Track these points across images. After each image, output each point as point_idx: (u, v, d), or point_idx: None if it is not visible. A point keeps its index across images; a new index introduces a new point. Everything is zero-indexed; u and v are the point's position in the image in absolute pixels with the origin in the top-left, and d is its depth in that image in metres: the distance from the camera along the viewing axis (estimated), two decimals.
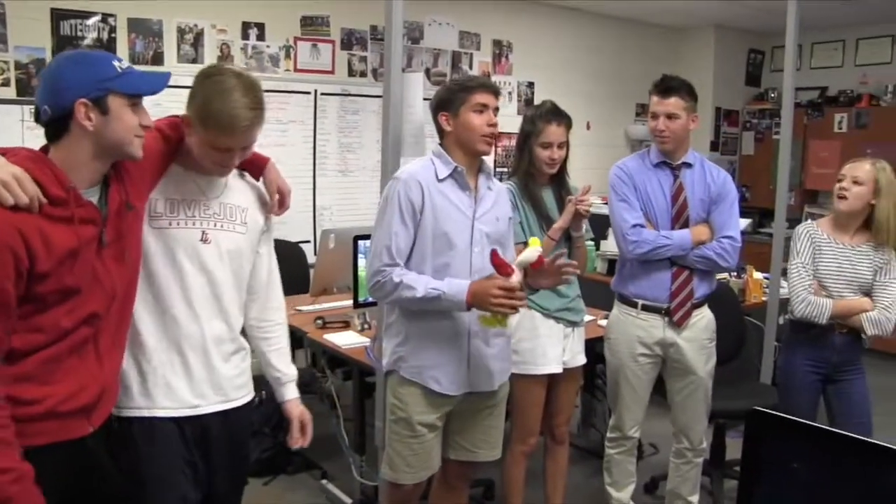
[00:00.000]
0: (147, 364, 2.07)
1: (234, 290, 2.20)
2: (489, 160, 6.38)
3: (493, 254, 2.50)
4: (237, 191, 2.22)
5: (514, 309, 2.50)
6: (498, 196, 2.82)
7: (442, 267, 2.63)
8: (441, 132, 2.75)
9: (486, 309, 2.52)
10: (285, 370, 2.39)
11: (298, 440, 2.39)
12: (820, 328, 3.34)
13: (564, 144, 3.21)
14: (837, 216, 3.37)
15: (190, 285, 2.09)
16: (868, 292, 3.32)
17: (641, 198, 3.34)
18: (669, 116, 3.24)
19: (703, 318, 3.39)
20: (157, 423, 2.07)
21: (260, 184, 2.31)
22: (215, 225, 2.13)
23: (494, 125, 2.68)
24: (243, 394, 2.26)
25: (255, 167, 2.30)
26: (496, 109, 2.70)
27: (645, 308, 3.35)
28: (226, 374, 2.18)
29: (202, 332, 2.12)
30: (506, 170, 6.40)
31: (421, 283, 2.56)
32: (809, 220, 3.51)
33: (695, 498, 3.59)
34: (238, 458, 2.28)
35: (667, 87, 3.27)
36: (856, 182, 3.26)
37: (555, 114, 3.20)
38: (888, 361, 4.32)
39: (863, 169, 3.27)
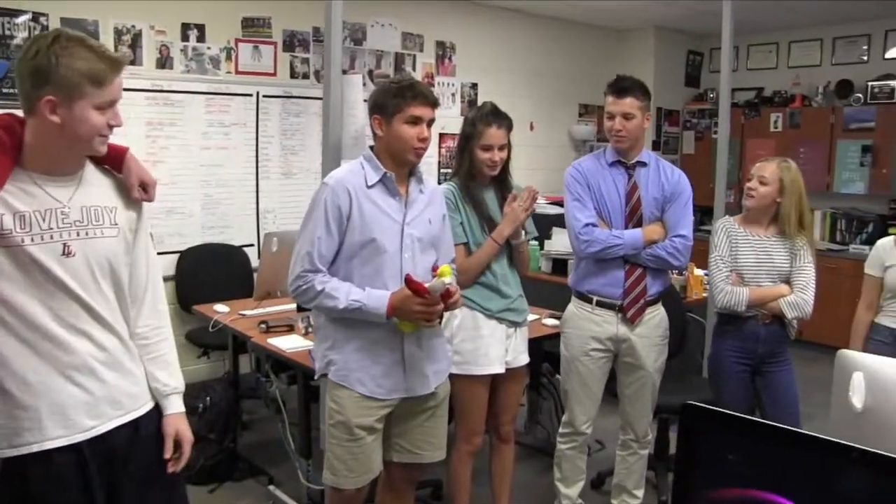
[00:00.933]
0: (31, 398, 1.86)
1: (114, 297, 2.00)
2: (433, 161, 6.45)
3: (408, 278, 2.51)
4: (99, 189, 2.00)
5: (434, 324, 2.61)
6: (431, 198, 2.82)
7: (372, 273, 2.62)
8: (374, 134, 2.72)
9: (407, 320, 2.58)
10: (165, 381, 2.13)
11: (170, 465, 2.10)
12: (743, 320, 3.44)
13: (505, 147, 3.22)
14: (752, 216, 3.50)
15: (60, 305, 1.88)
16: (788, 281, 3.44)
17: (596, 197, 3.38)
18: (625, 116, 3.29)
19: (657, 316, 3.46)
20: (54, 454, 1.87)
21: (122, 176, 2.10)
22: (78, 234, 1.90)
23: (426, 139, 2.65)
24: (142, 402, 2.08)
25: (115, 160, 2.05)
26: (431, 121, 2.67)
27: (600, 304, 3.39)
28: (119, 385, 1.99)
29: (85, 350, 1.92)
30: (449, 171, 6.43)
31: (342, 294, 2.55)
32: (727, 216, 3.64)
33: (640, 491, 3.64)
34: (158, 466, 2.10)
35: (622, 87, 3.32)
36: (762, 182, 3.42)
37: (495, 116, 3.20)
38: (819, 352, 4.42)
39: (769, 169, 3.43)
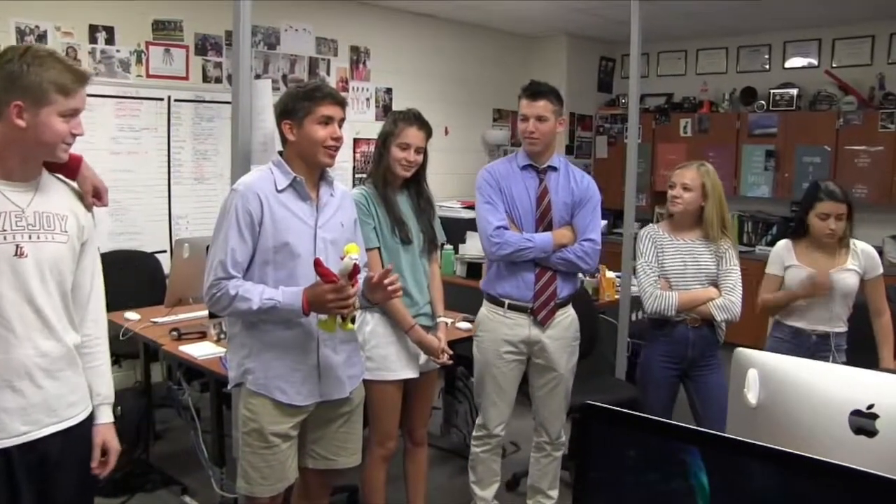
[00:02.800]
0: None
1: (60, 303, 2.06)
2: (347, 165, 6.42)
3: (317, 262, 2.50)
4: (54, 196, 2.07)
5: (350, 308, 2.55)
6: (341, 201, 2.82)
7: (286, 277, 2.60)
8: (284, 140, 2.71)
9: (324, 312, 2.55)
10: (98, 390, 2.21)
11: (96, 469, 2.20)
12: (673, 324, 3.55)
13: (422, 150, 3.24)
14: (676, 221, 3.62)
15: (5, 306, 1.93)
16: (716, 284, 3.55)
17: (507, 200, 3.43)
18: (539, 118, 3.36)
19: (568, 318, 3.51)
20: None
21: (76, 185, 2.18)
22: (30, 237, 1.97)
23: (339, 138, 2.66)
24: (79, 410, 2.13)
25: (69, 168, 2.15)
26: (342, 121, 2.68)
27: (511, 307, 3.43)
28: (57, 393, 2.04)
29: (26, 354, 1.97)
30: (364, 175, 6.42)
31: (256, 294, 2.53)
32: (651, 224, 3.74)
33: (554, 492, 3.70)
34: (86, 476, 2.17)
35: (536, 90, 3.39)
36: (685, 188, 3.54)
37: (417, 118, 3.24)
38: (726, 351, 4.57)
39: (689, 175, 3.55)
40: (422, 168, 3.30)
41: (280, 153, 2.73)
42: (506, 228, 3.37)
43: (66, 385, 2.07)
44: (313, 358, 2.69)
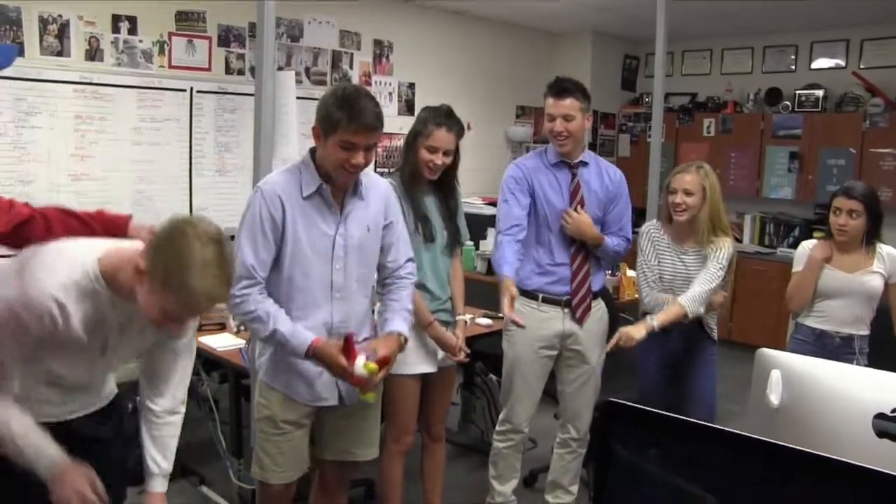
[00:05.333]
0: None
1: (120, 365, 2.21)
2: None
3: (349, 339, 2.52)
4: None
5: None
6: (379, 202, 2.74)
7: (301, 281, 2.60)
8: (319, 141, 2.60)
9: (326, 369, 2.59)
10: (159, 462, 2.25)
11: None
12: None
13: (451, 153, 3.17)
14: (677, 227, 3.53)
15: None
16: None
17: (539, 196, 3.39)
18: (566, 118, 3.29)
19: (599, 310, 3.52)
20: None
21: None
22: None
23: (357, 165, 2.49)
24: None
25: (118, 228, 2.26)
26: (372, 146, 2.51)
27: (546, 300, 3.42)
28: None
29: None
30: (386, 170, 6.42)
31: (270, 323, 2.52)
32: (654, 220, 3.67)
33: (574, 488, 3.70)
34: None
35: (562, 88, 3.32)
36: (687, 193, 3.43)
37: (448, 118, 3.15)
38: (745, 352, 4.54)
39: (689, 180, 3.44)
40: (452, 167, 3.25)
41: (312, 150, 2.65)
42: (516, 230, 3.34)
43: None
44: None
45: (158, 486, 2.24)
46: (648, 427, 1.40)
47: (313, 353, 2.53)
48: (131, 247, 1.94)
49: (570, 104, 3.30)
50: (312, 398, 2.69)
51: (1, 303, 1.85)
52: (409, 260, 2.87)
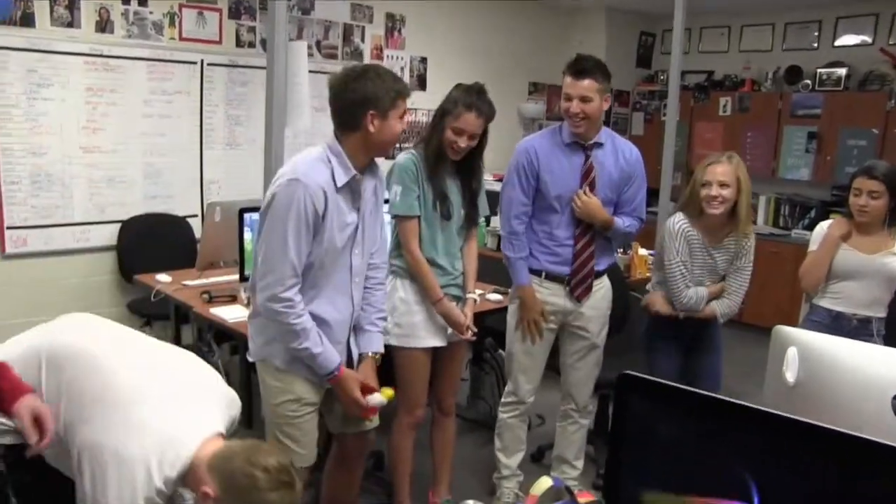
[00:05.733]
0: None
1: None
2: None
3: (364, 386, 2.68)
4: None
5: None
6: (379, 180, 2.78)
7: (330, 273, 2.60)
8: (353, 127, 2.54)
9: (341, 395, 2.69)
10: None
11: None
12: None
13: (477, 137, 3.11)
14: (710, 220, 3.43)
15: None
16: (724, 279, 3.53)
17: (549, 179, 3.32)
18: (583, 99, 3.20)
19: (603, 288, 3.49)
20: None
21: None
22: None
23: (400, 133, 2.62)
24: None
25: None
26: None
27: (549, 277, 3.39)
28: None
29: None
30: (398, 146, 6.38)
31: (303, 340, 2.54)
32: (680, 216, 3.52)
33: (579, 463, 3.69)
34: None
35: (581, 68, 3.21)
36: (722, 185, 3.35)
37: (479, 101, 3.07)
38: (760, 334, 4.54)
39: (723, 170, 3.36)
40: (478, 148, 3.19)
41: (338, 137, 2.58)
42: (515, 233, 3.38)
43: None
44: (346, 344, 2.73)
45: None
46: (664, 400, 1.38)
47: (336, 381, 2.62)
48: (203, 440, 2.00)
49: (588, 85, 3.20)
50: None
51: None
52: (383, 243, 2.91)
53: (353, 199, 2.60)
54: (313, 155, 2.56)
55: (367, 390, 2.66)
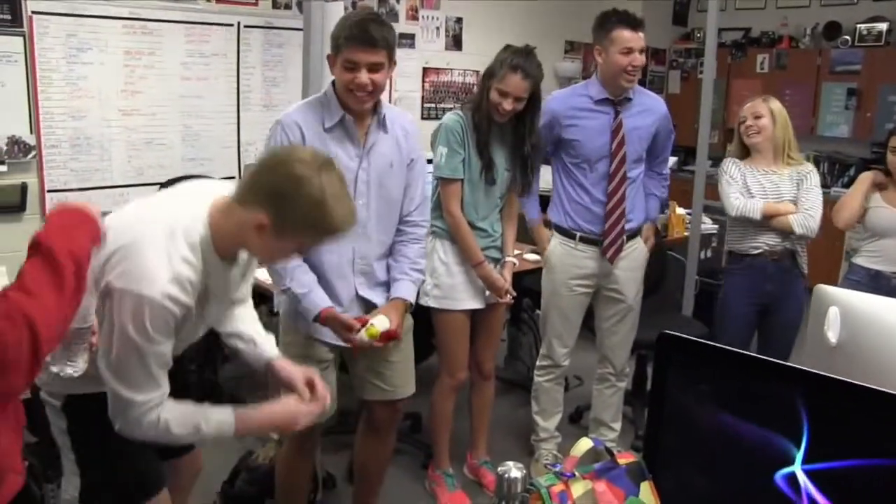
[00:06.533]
0: None
1: None
2: (416, 95, 6.37)
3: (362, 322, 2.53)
4: None
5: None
6: (402, 138, 2.66)
7: None
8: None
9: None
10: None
11: None
12: (752, 256, 3.52)
13: (523, 100, 3.05)
14: (754, 151, 3.57)
15: None
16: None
17: (579, 136, 3.32)
18: (642, 51, 3.21)
19: (637, 249, 3.49)
20: None
21: None
22: None
23: (363, 86, 2.43)
24: None
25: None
26: (375, 65, 2.43)
27: (583, 240, 3.40)
28: None
29: None
30: (433, 105, 6.36)
31: (287, 278, 2.52)
32: (733, 158, 3.67)
33: (617, 425, 3.71)
34: None
35: (637, 20, 3.22)
36: (757, 117, 3.50)
37: (525, 63, 3.01)
38: None
39: (757, 106, 3.53)
40: (530, 110, 3.13)
41: (333, 83, 2.57)
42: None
43: None
44: (352, 301, 2.65)
45: None
46: (703, 360, 1.39)
47: (323, 321, 2.53)
48: (211, 205, 1.83)
49: (642, 37, 3.22)
50: (332, 336, 2.62)
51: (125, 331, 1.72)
52: (424, 201, 2.79)
53: (352, 144, 2.55)
54: (308, 99, 2.62)
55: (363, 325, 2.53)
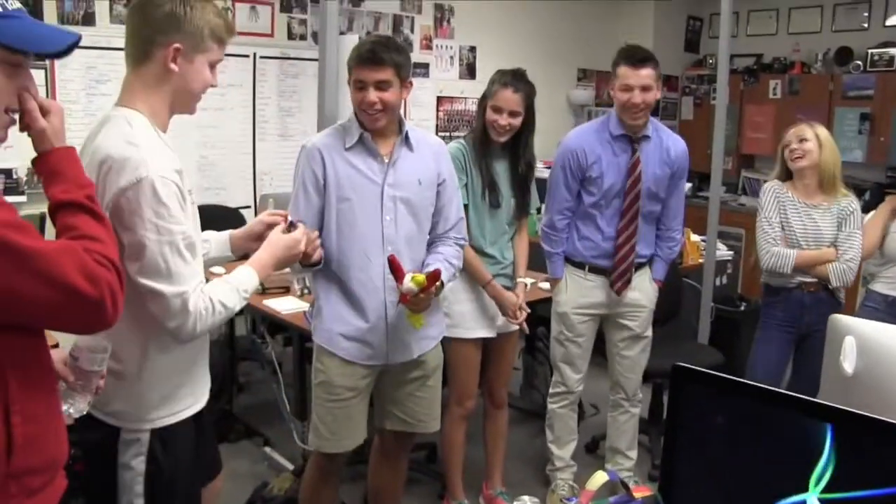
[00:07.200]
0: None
1: None
2: (430, 124, 6.40)
3: (392, 259, 2.48)
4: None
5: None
6: (427, 157, 2.71)
7: (349, 232, 2.59)
8: None
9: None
10: None
11: None
12: (788, 290, 3.47)
13: (518, 114, 3.10)
14: (797, 176, 3.50)
15: None
16: (834, 246, 3.46)
17: (594, 174, 3.32)
18: (644, 88, 3.17)
19: (645, 279, 3.49)
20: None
21: None
22: None
23: (371, 104, 2.51)
24: None
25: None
26: (382, 83, 2.50)
27: (592, 270, 3.41)
28: None
29: None
30: (447, 134, 6.40)
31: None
32: (774, 180, 3.61)
33: (633, 453, 3.68)
34: None
35: (641, 57, 3.19)
36: (803, 140, 3.43)
37: (514, 78, 3.10)
38: None
39: (804, 130, 3.45)
40: (525, 129, 3.18)
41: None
42: (555, 228, 3.44)
43: None
44: (380, 319, 2.65)
45: None
46: (718, 391, 1.39)
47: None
48: (123, 104, 1.89)
49: (647, 73, 3.16)
50: (363, 356, 2.65)
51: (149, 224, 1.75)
52: (460, 221, 2.83)
53: (375, 159, 2.60)
54: (333, 126, 2.71)
55: (400, 276, 2.49)
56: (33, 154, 1.56)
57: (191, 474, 1.99)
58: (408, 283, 2.45)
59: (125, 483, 1.89)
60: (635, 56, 3.20)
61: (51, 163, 1.52)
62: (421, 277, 2.46)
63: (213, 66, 1.92)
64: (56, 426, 1.51)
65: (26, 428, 1.38)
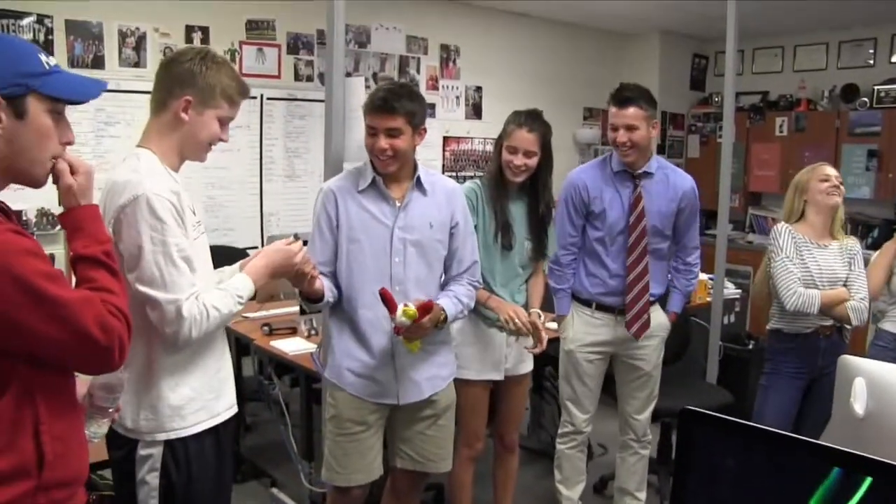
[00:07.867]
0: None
1: None
2: (437, 164, 6.43)
3: (384, 293, 2.51)
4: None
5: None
6: (440, 200, 2.74)
7: (359, 272, 2.64)
8: None
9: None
10: None
11: None
12: (804, 335, 3.41)
13: (534, 154, 3.09)
14: (816, 213, 3.46)
15: None
16: (845, 286, 3.42)
17: (597, 210, 3.33)
18: (629, 128, 3.20)
19: (656, 318, 3.45)
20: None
21: None
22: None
23: (383, 150, 2.57)
24: None
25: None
26: (393, 130, 2.55)
27: (599, 308, 3.39)
28: None
29: None
30: (454, 174, 6.42)
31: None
32: (782, 222, 3.55)
33: (642, 494, 3.64)
34: None
35: (624, 97, 3.22)
36: (841, 181, 3.44)
37: (529, 118, 3.10)
38: None
39: (831, 169, 3.48)
40: (542, 170, 3.16)
41: None
42: (560, 264, 3.42)
43: None
44: (387, 357, 2.68)
45: None
46: (728, 435, 1.37)
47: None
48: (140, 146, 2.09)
49: (633, 113, 3.20)
50: (369, 393, 2.70)
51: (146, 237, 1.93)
52: (474, 264, 2.86)
53: (387, 203, 2.66)
54: (352, 167, 2.79)
55: (392, 307, 2.51)
56: (40, 198, 1.69)
57: (210, 494, 2.10)
58: (400, 316, 2.49)
59: (142, 500, 2.01)
60: (620, 95, 3.25)
61: (76, 219, 1.65)
62: (412, 311, 2.50)
63: (223, 122, 2.12)
64: (79, 445, 1.63)
65: (54, 446, 1.51)
